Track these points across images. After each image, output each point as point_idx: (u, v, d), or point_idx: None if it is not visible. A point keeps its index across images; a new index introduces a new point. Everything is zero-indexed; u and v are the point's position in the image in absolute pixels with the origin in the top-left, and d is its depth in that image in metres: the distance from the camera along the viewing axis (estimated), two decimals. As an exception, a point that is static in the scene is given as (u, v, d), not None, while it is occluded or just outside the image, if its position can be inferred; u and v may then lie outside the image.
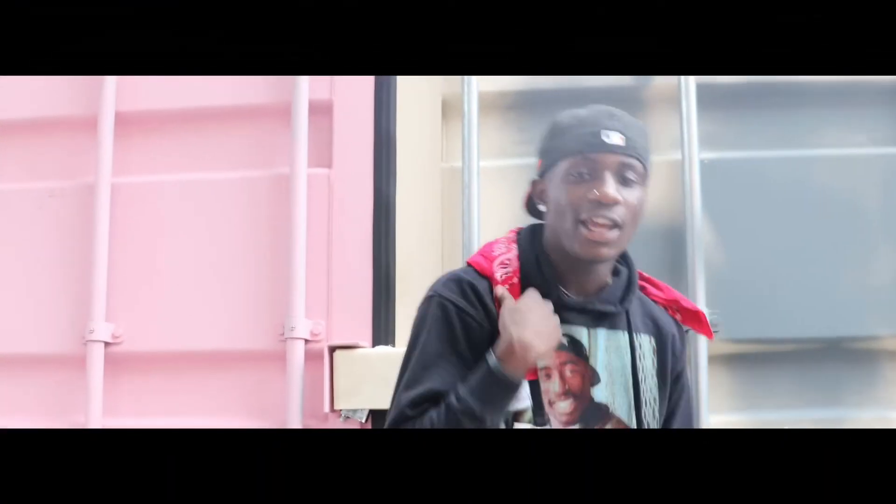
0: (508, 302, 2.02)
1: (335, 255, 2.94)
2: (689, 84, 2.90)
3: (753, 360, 2.87)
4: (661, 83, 2.96)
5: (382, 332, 2.87)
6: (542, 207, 2.13)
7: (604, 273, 2.10)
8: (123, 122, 3.08)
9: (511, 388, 1.96)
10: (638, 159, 2.03)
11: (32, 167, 3.15)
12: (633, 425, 2.08)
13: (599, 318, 2.09)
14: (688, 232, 2.86)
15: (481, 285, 2.06)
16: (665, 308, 2.23)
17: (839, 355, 2.86)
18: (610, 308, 2.09)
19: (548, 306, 2.01)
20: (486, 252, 2.12)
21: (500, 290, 2.04)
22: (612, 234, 1.99)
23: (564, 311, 2.04)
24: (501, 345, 1.96)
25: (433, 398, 1.97)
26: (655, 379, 2.13)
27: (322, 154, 2.99)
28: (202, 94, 3.04)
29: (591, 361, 2.07)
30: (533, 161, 2.14)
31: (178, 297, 3.00)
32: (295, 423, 2.83)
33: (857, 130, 2.95)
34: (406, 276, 2.88)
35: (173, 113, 3.08)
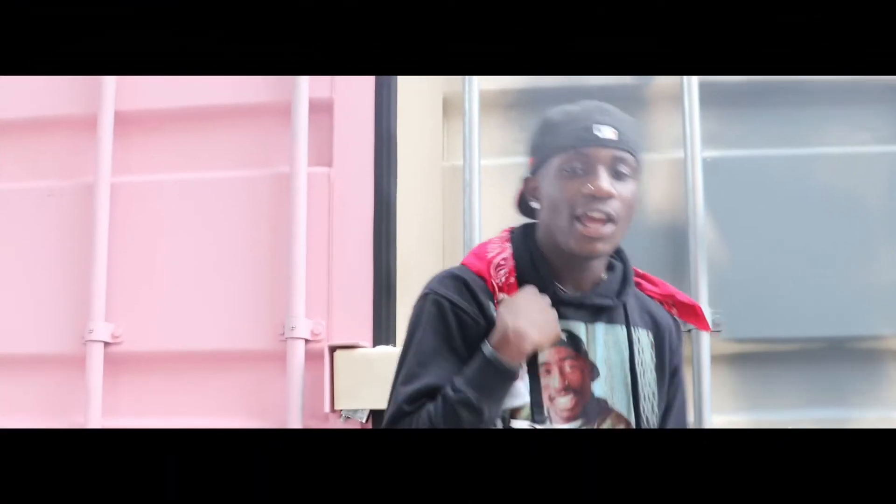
0: (505, 297, 2.06)
1: (335, 255, 2.95)
2: (692, 82, 2.90)
3: (756, 360, 2.87)
4: (663, 81, 2.97)
5: (383, 331, 2.88)
6: (534, 205, 2.15)
7: (599, 268, 2.13)
8: (123, 121, 3.09)
9: (508, 377, 1.99)
10: (630, 153, 2.06)
11: (32, 166, 3.17)
12: (632, 419, 2.10)
13: (597, 313, 2.11)
14: (690, 231, 2.86)
15: (476, 283, 2.09)
16: (661, 303, 2.26)
17: (843, 355, 2.86)
18: (607, 302, 2.11)
19: (544, 299, 2.04)
20: (480, 252, 2.15)
21: (503, 296, 2.08)
22: (607, 229, 2.02)
23: (561, 306, 2.07)
24: (496, 334, 2.00)
25: (430, 393, 2.00)
26: (654, 373, 2.16)
27: (322, 153, 3.00)
28: (202, 93, 3.05)
29: (590, 356, 2.10)
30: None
31: (177, 296, 3.01)
32: (295, 423, 2.84)
33: (861, 129, 2.95)
34: (407, 276, 2.89)
35: (173, 112, 3.09)
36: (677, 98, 2.93)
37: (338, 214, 2.97)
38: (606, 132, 2.05)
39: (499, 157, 2.97)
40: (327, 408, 2.82)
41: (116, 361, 2.99)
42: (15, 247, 3.11)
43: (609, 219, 2.02)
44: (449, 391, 1.97)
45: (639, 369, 2.12)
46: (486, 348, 1.99)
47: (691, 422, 2.76)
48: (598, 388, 2.09)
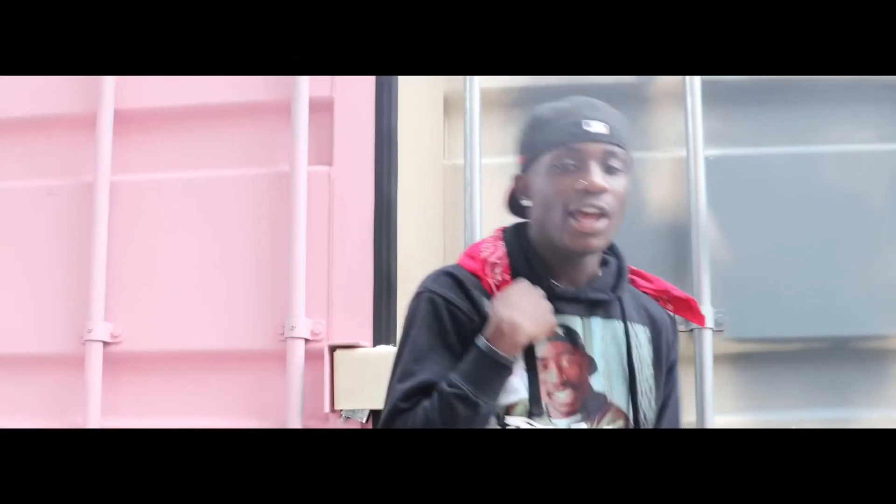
0: (499, 292, 2.08)
1: (336, 254, 2.95)
2: (694, 81, 2.90)
3: (759, 360, 2.88)
4: (665, 80, 2.97)
5: (383, 331, 2.88)
6: (526, 203, 2.17)
7: (593, 264, 2.16)
8: (122, 119, 3.10)
9: (503, 369, 2.01)
10: (621, 147, 2.09)
11: (31, 165, 3.18)
12: (631, 414, 2.13)
13: (593, 307, 2.14)
14: (693, 229, 2.87)
15: (470, 280, 2.11)
16: (656, 299, 2.28)
17: (847, 354, 2.86)
18: (602, 296, 2.14)
19: (537, 291, 2.07)
20: (474, 253, 2.18)
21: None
22: (601, 224, 2.05)
23: (557, 301, 2.09)
24: (490, 327, 2.02)
25: (426, 389, 2.02)
26: (651, 369, 2.18)
27: (323, 151, 3.01)
28: (202, 91, 3.05)
29: (587, 350, 2.12)
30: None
31: (177, 296, 3.02)
32: (295, 423, 2.85)
33: (864, 127, 2.95)
34: (407, 275, 2.89)
35: (173, 110, 3.10)
36: (680, 96, 2.93)
37: (338, 213, 2.97)
38: (597, 127, 2.08)
39: (500, 156, 2.91)
40: (327, 408, 2.83)
41: (116, 361, 3.00)
42: (14, 246, 3.13)
43: (602, 214, 2.05)
44: (444, 386, 2.00)
45: (637, 364, 2.15)
46: (481, 341, 2.02)
47: (689, 422, 2.73)
48: (597, 383, 2.11)
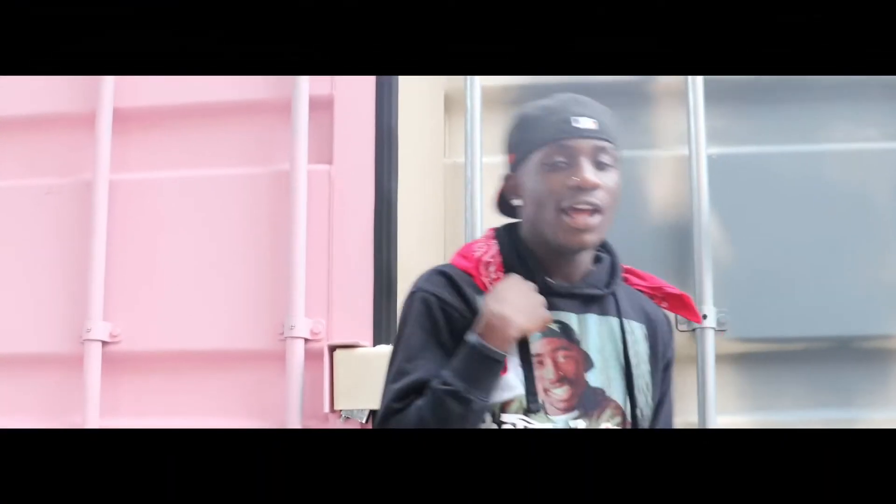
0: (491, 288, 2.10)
1: (336, 253, 2.96)
2: (697, 79, 2.91)
3: (762, 360, 2.89)
4: (667, 78, 2.97)
5: (383, 330, 2.89)
6: (516, 202, 2.19)
7: (586, 261, 2.18)
8: (122, 118, 3.12)
9: (494, 364, 2.03)
10: (610, 142, 2.11)
11: (30, 164, 3.19)
12: (628, 410, 2.14)
13: (588, 304, 2.16)
14: (695, 228, 2.88)
15: (463, 278, 2.13)
16: (650, 297, 2.31)
17: (850, 354, 2.88)
18: (596, 291, 2.16)
19: (529, 285, 2.09)
20: (467, 253, 2.20)
21: None
22: (595, 220, 2.08)
23: (551, 297, 2.11)
24: (480, 322, 2.04)
25: (419, 388, 2.04)
26: (648, 365, 2.20)
27: (323, 150, 3.03)
28: (201, 90, 3.07)
29: (583, 346, 2.13)
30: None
31: (176, 295, 3.03)
32: (294, 423, 2.86)
33: (868, 125, 2.96)
34: (408, 274, 2.77)
35: (172, 109, 3.12)
36: (682, 94, 2.94)
37: (338, 212, 2.99)
38: (585, 123, 2.11)
39: (501, 155, 2.96)
40: (327, 408, 2.84)
41: (115, 361, 3.02)
42: (13, 245, 3.15)
43: (596, 209, 2.08)
44: (436, 384, 2.01)
45: (633, 360, 2.17)
46: (472, 337, 2.04)
47: (691, 422, 2.79)
48: (594, 378, 2.13)
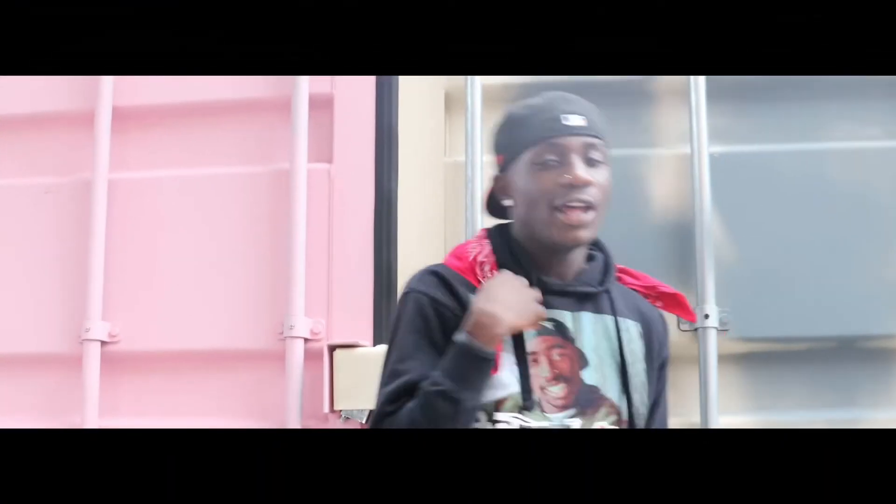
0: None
1: (336, 252, 2.98)
2: (699, 77, 2.92)
3: (765, 360, 2.90)
4: (669, 76, 2.98)
5: (384, 330, 2.87)
6: (507, 202, 2.21)
7: (579, 259, 2.19)
8: (121, 117, 3.14)
9: (483, 363, 2.02)
10: (600, 139, 2.13)
11: (28, 163, 3.22)
12: (624, 408, 2.15)
13: (582, 302, 2.17)
14: (697, 227, 2.89)
15: (456, 278, 2.14)
16: (645, 296, 2.32)
17: (853, 354, 2.88)
18: (590, 289, 2.17)
19: (520, 281, 2.09)
20: (461, 254, 2.21)
21: None
22: (588, 216, 2.09)
23: (545, 295, 2.12)
24: (469, 320, 2.05)
25: (411, 390, 2.05)
26: (643, 363, 2.21)
27: (322, 149, 3.04)
28: (201, 88, 3.08)
29: (578, 344, 2.14)
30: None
31: (175, 295, 3.05)
32: (294, 423, 2.87)
33: (870, 123, 2.97)
34: (408, 273, 2.69)
35: (171, 108, 3.14)
36: (684, 93, 2.95)
37: (338, 212, 3.00)
38: (575, 120, 2.12)
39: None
40: (326, 408, 2.85)
41: (114, 361, 3.04)
42: (11, 244, 3.17)
43: (589, 206, 2.09)
44: (426, 384, 2.01)
45: (628, 358, 2.17)
46: (460, 336, 2.04)
47: (693, 422, 2.81)
48: (589, 376, 2.13)
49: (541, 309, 2.09)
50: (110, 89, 3.15)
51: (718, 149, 2.97)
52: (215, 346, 3.04)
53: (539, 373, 2.11)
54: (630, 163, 2.97)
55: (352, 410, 2.85)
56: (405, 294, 2.17)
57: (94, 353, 3.03)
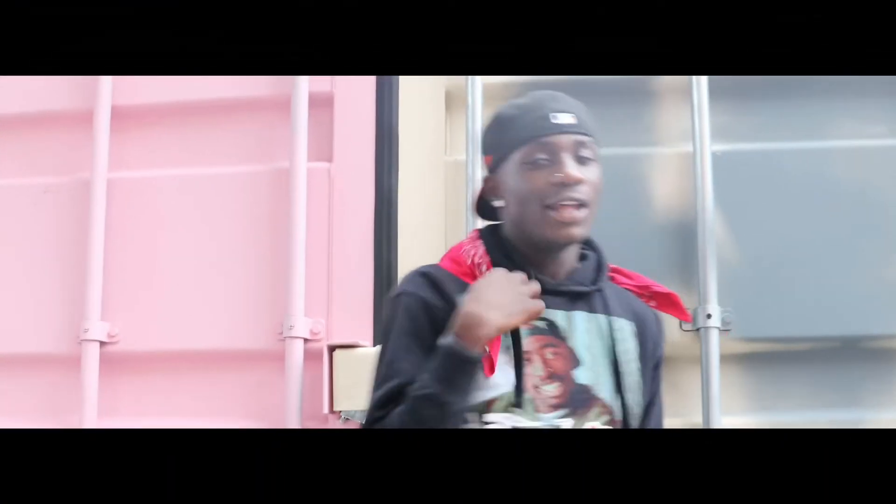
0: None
1: (335, 252, 2.99)
2: (701, 76, 2.93)
3: (767, 360, 2.91)
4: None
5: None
6: (497, 203, 2.23)
7: (572, 258, 2.21)
8: (120, 116, 3.16)
9: (469, 365, 2.01)
10: (590, 136, 2.15)
11: (27, 162, 3.24)
12: (617, 408, 2.16)
13: (575, 301, 2.19)
14: (699, 226, 2.90)
15: (448, 278, 2.16)
16: (639, 296, 2.34)
17: (856, 354, 2.89)
18: (583, 288, 2.19)
19: (513, 277, 2.09)
20: (457, 256, 2.23)
21: None
22: (581, 214, 2.11)
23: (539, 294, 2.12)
24: (455, 322, 2.04)
25: (399, 394, 2.05)
26: (637, 363, 2.22)
27: (322, 148, 3.06)
28: (200, 87, 3.10)
29: (570, 343, 2.15)
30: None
31: (175, 295, 3.06)
32: (294, 423, 2.88)
33: (873, 122, 2.98)
34: None
35: (171, 107, 3.16)
36: (686, 91, 2.96)
37: (338, 211, 3.01)
38: (564, 118, 2.14)
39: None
40: (326, 408, 2.86)
41: (113, 361, 3.05)
42: (10, 244, 3.19)
43: (581, 204, 2.11)
44: (413, 388, 2.02)
45: (622, 357, 2.19)
46: (446, 338, 2.03)
47: (695, 422, 2.82)
48: (582, 376, 2.14)
49: (537, 304, 2.09)
50: (109, 89, 3.16)
51: (721, 147, 2.98)
52: (215, 347, 3.05)
53: (533, 372, 2.13)
54: (632, 161, 2.99)
55: (351, 411, 2.85)
56: (395, 297, 2.19)
57: (93, 354, 3.05)
